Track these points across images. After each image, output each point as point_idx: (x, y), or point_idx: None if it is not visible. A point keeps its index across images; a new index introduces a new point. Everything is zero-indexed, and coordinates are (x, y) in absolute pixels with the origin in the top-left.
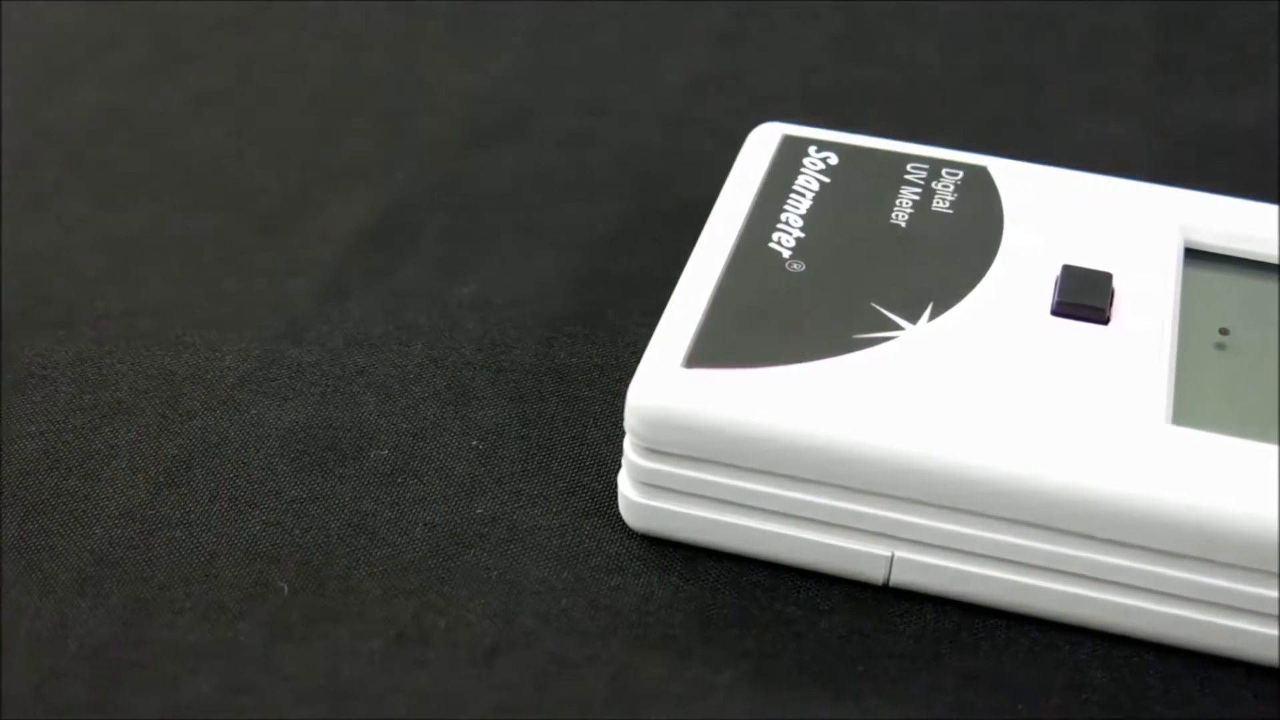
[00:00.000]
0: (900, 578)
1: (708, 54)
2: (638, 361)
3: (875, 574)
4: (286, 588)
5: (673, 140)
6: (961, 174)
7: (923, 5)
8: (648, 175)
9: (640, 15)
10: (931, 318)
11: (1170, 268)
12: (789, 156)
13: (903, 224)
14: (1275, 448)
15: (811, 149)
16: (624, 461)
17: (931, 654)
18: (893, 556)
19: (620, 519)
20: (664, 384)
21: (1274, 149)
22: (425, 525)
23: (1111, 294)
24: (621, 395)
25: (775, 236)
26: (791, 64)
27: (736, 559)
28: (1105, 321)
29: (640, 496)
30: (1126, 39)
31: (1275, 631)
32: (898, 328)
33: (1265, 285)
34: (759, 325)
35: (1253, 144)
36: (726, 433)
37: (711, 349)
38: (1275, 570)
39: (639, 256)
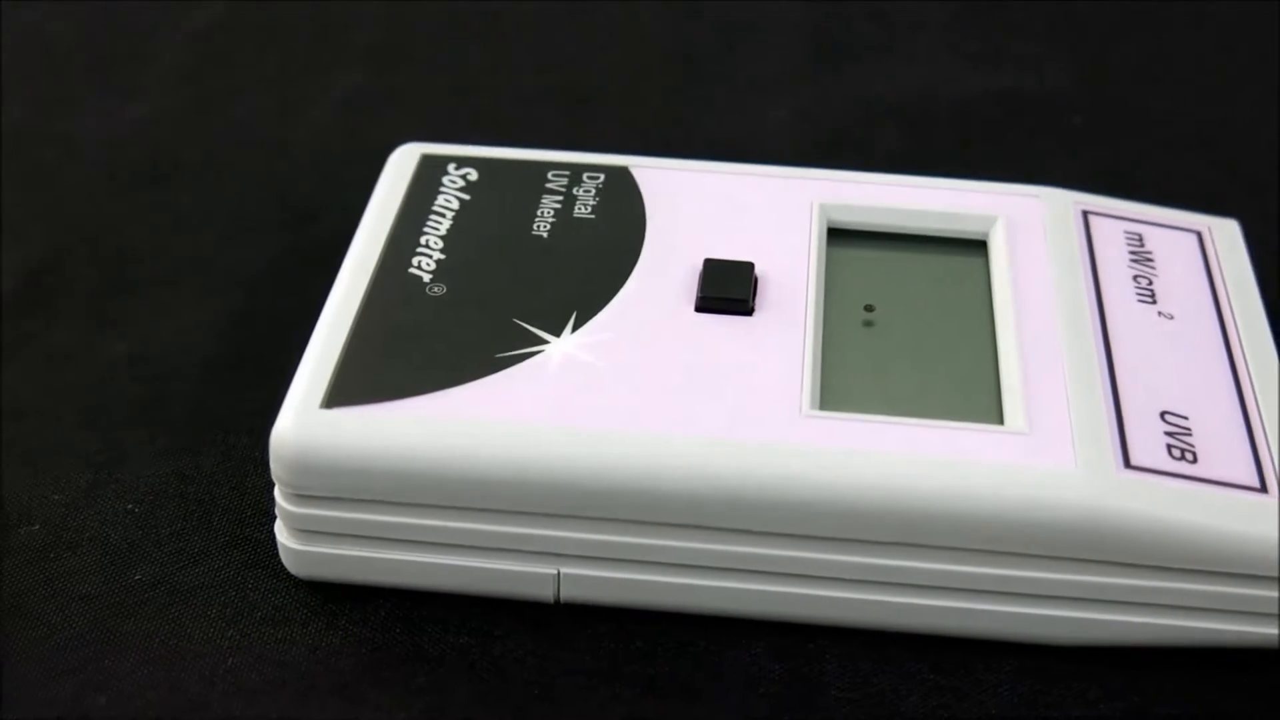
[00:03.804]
0: (570, 593)
1: (357, 77)
2: None
3: (544, 593)
4: None
5: (326, 168)
6: (603, 177)
7: (577, 5)
8: (301, 206)
9: (285, 46)
10: (575, 328)
11: (813, 250)
12: (428, 176)
13: (544, 234)
14: (920, 422)
15: (451, 166)
16: (277, 509)
17: (608, 666)
18: (559, 573)
19: (285, 568)
20: (305, 427)
21: (934, 124)
22: (82, 599)
23: (755, 283)
24: None
25: (416, 260)
26: (447, 79)
27: (406, 595)
28: (749, 312)
29: (298, 543)
30: (776, 26)
31: (940, 602)
32: (541, 342)
33: (907, 258)
34: (401, 355)
35: (904, 120)
36: (372, 471)
37: (352, 385)
38: (928, 543)
39: (296, 292)
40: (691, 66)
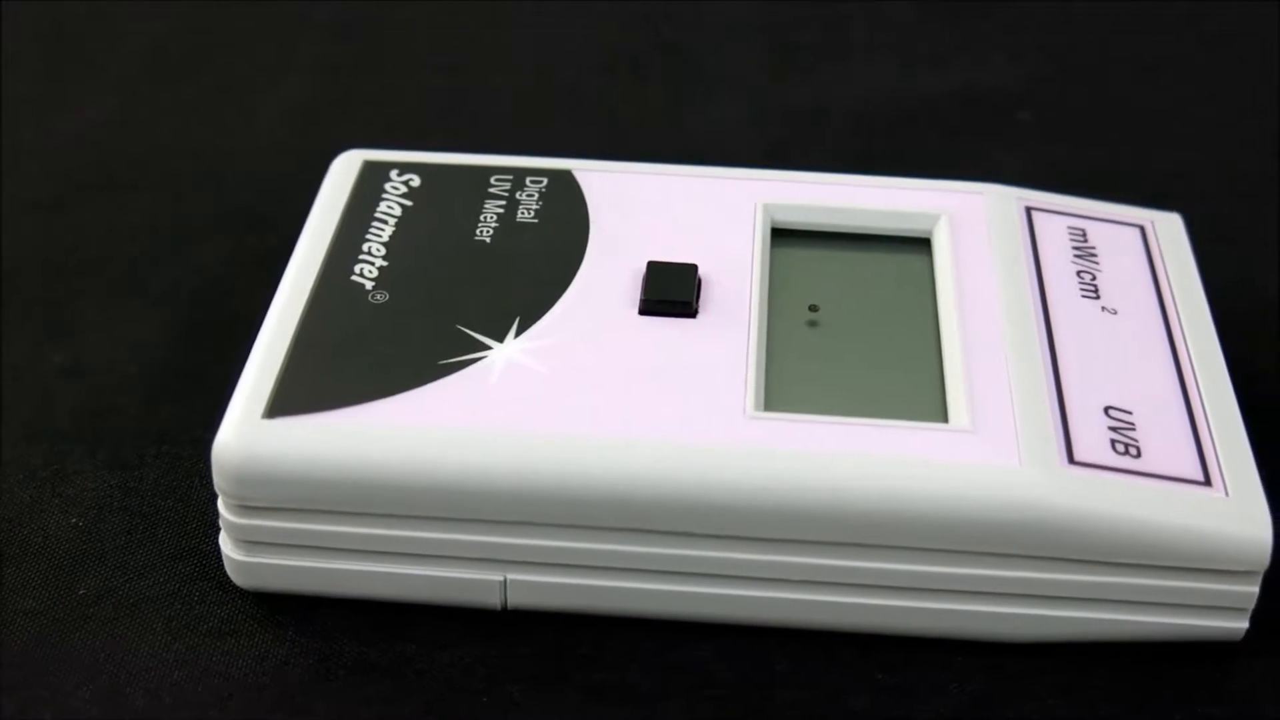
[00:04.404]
0: (517, 600)
1: (307, 85)
2: None
3: (491, 600)
4: None
5: (273, 176)
6: (546, 181)
7: (527, 5)
8: (248, 216)
9: (233, 54)
10: (518, 333)
11: (756, 251)
12: (371, 183)
13: (487, 240)
14: (865, 421)
15: (393, 173)
16: (221, 521)
17: (555, 672)
18: (505, 580)
19: (230, 580)
20: (247, 438)
21: (882, 124)
22: (25, 614)
23: (699, 285)
24: None
25: (358, 268)
26: (398, 87)
27: (353, 604)
28: (693, 314)
29: (243, 554)
30: (733, 28)
31: (888, 602)
32: (484, 348)
33: (851, 257)
34: (343, 364)
35: (855, 118)
36: (316, 481)
37: (294, 395)
38: (875, 543)
39: (241, 301)
40: (646, 70)
